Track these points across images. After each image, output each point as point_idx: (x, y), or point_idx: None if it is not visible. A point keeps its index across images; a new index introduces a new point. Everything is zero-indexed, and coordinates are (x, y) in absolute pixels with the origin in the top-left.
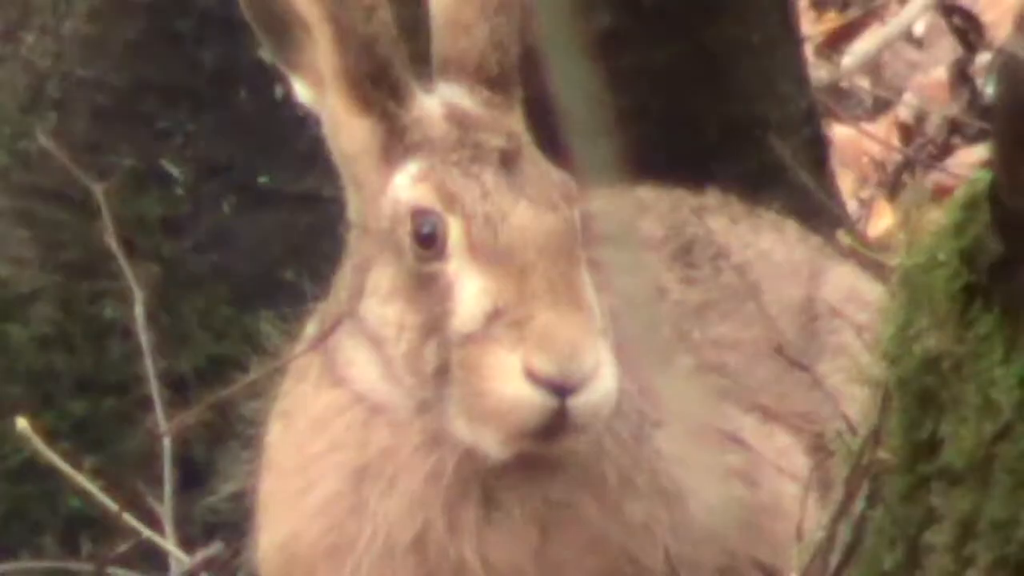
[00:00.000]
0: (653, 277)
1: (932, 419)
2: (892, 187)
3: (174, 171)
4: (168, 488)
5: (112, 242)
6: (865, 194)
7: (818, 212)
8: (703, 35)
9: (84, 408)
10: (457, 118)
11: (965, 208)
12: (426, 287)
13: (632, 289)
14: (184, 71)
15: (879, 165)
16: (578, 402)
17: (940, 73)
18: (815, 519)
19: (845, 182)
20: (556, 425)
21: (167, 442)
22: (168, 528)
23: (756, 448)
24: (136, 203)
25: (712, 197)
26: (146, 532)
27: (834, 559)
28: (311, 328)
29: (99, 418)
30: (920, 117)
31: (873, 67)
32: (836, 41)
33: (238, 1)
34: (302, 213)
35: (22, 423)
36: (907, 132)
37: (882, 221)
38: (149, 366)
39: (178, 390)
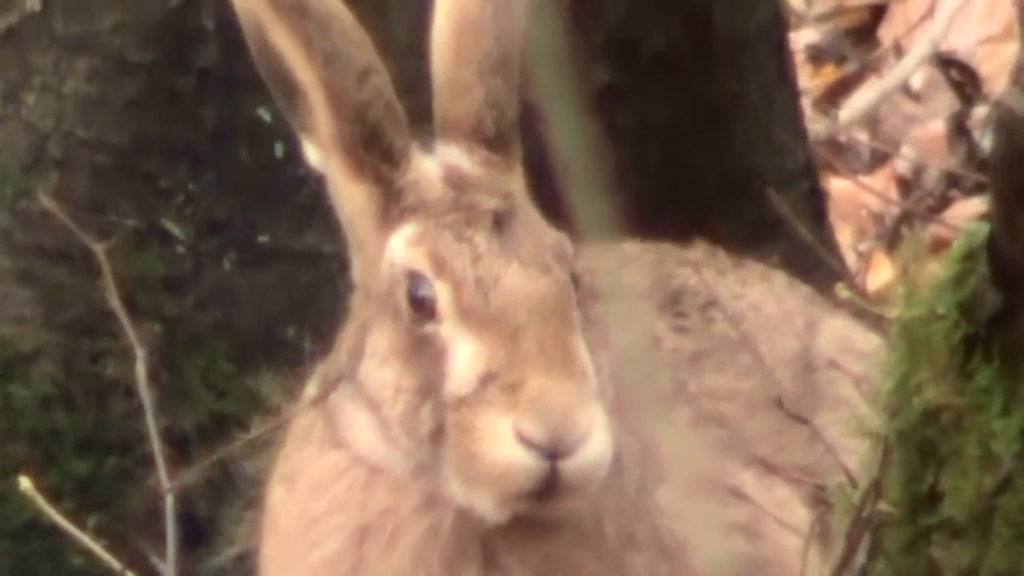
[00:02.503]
0: (648, 329)
1: (932, 471)
2: (890, 240)
3: (175, 229)
4: (171, 546)
5: (114, 301)
6: (863, 247)
7: (817, 265)
8: (701, 89)
9: (87, 467)
10: (454, 179)
11: (963, 260)
12: (421, 350)
13: (629, 342)
14: (184, 129)
15: (877, 218)
16: (570, 465)
17: (938, 126)
18: (817, 572)
19: (843, 235)
20: (549, 488)
21: (170, 500)
22: None
23: (757, 502)
24: (137, 262)
25: (698, 250)
26: None
27: None
28: (312, 388)
29: (102, 477)
30: (918, 170)
31: (871, 120)
32: (833, 95)
33: (237, 59)
34: (302, 270)
35: (25, 482)
36: (905, 185)
37: (881, 274)
38: (151, 424)
39: (180, 448)
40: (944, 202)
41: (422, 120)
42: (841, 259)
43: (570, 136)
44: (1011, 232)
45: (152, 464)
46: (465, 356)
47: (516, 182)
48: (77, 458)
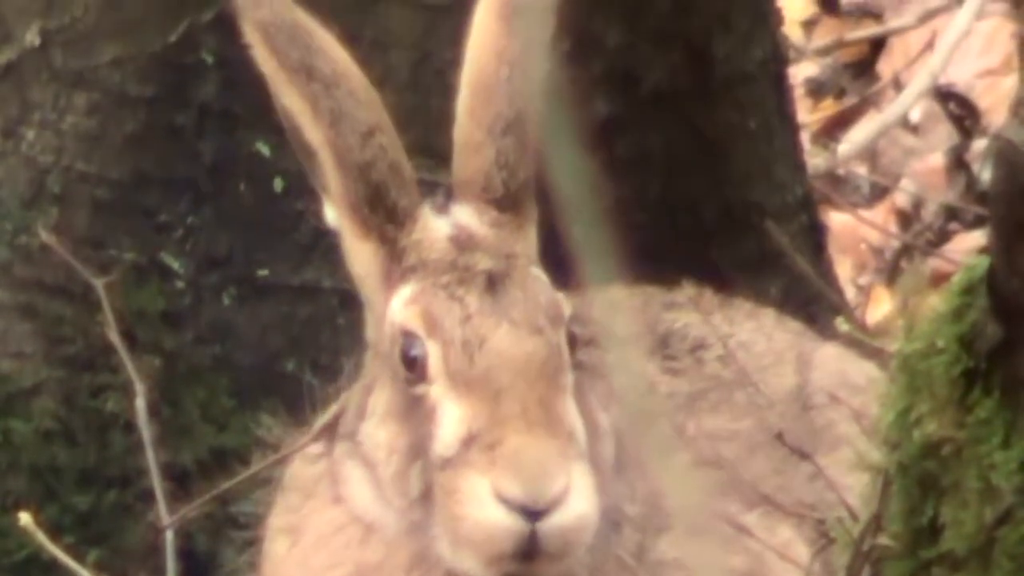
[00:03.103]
0: (644, 373)
1: (933, 504)
2: (890, 273)
3: (174, 264)
4: None
5: (113, 335)
6: (863, 280)
7: (816, 299)
8: (700, 122)
9: (87, 501)
10: (461, 240)
11: (963, 293)
12: (414, 410)
13: (626, 388)
14: (184, 164)
15: (877, 252)
16: (549, 525)
17: (937, 159)
18: None
19: (843, 269)
20: (531, 549)
21: (170, 535)
22: None
23: (759, 546)
24: (137, 297)
25: (683, 292)
26: None
27: None
28: (314, 439)
29: (102, 511)
30: (917, 203)
31: (870, 154)
32: (832, 128)
33: (236, 94)
34: (302, 305)
35: (25, 517)
36: (904, 218)
37: (880, 307)
38: (151, 459)
39: (180, 483)
40: (944, 235)
41: (419, 155)
42: (841, 292)
43: (571, 179)
44: (1011, 266)
45: (152, 498)
46: (451, 417)
47: (524, 242)
48: (77, 493)
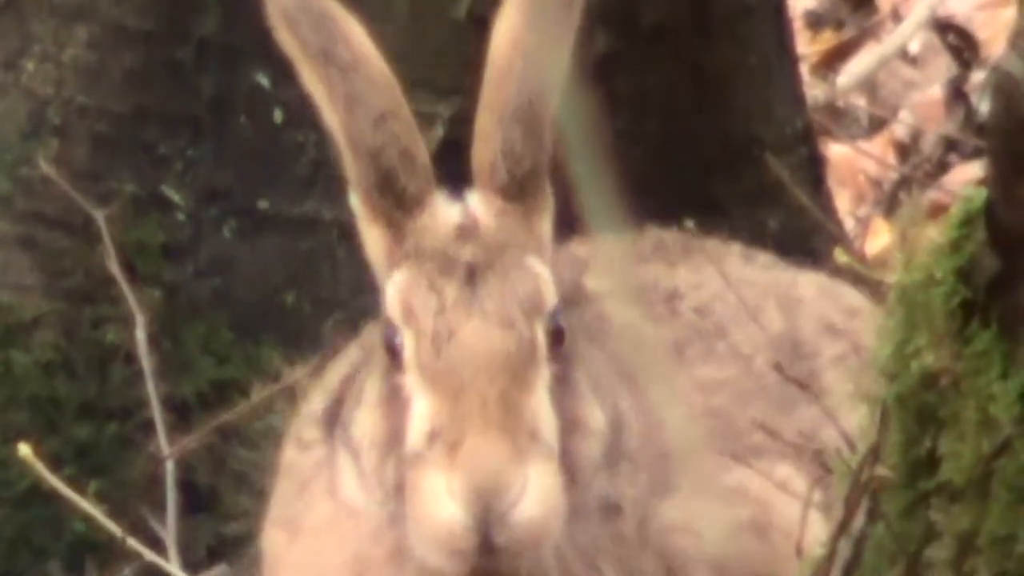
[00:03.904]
0: (635, 323)
1: (931, 436)
2: (888, 205)
3: (175, 197)
4: (171, 512)
5: (114, 267)
6: (862, 212)
7: (815, 230)
8: (700, 57)
9: (87, 433)
10: (464, 228)
11: (961, 225)
12: (394, 401)
13: (624, 350)
14: (184, 98)
15: (875, 183)
16: (502, 526)
17: (935, 91)
18: (818, 536)
19: (841, 200)
20: (488, 548)
21: (170, 466)
22: (172, 552)
23: (763, 494)
24: (137, 229)
25: (647, 241)
26: (150, 556)
27: None
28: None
29: (102, 443)
30: (916, 135)
31: (869, 86)
32: (831, 61)
33: (236, 28)
34: (302, 238)
35: (25, 449)
36: (903, 150)
37: (879, 239)
38: (152, 391)
39: (181, 415)
40: (942, 167)
41: (419, 88)
42: (839, 224)
43: (576, 127)
44: (1009, 197)
45: (152, 430)
46: (419, 411)
47: (528, 232)
48: (78, 424)
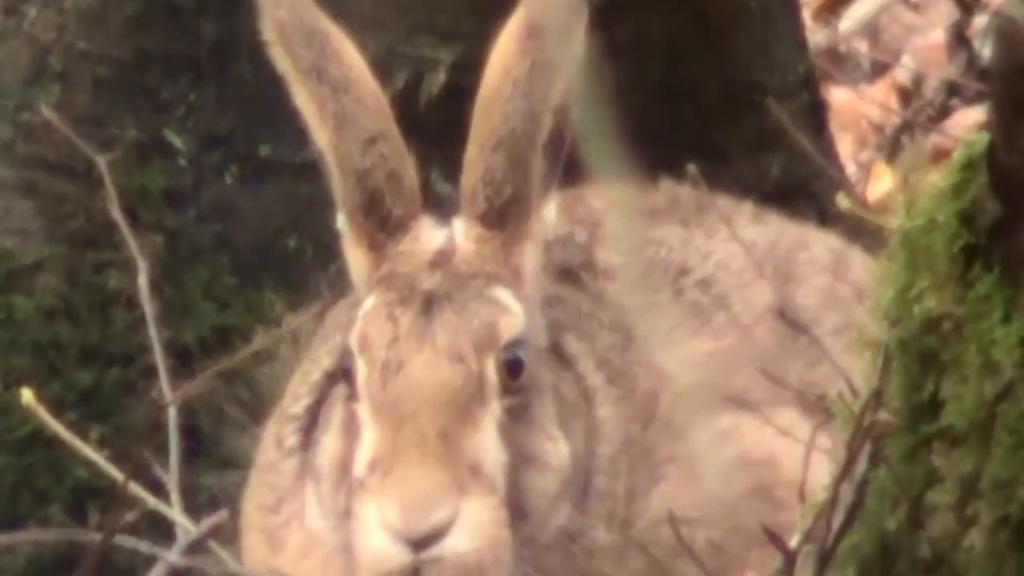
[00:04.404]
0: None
1: (933, 380)
2: (891, 150)
3: (176, 142)
4: (174, 457)
5: (115, 212)
6: (864, 157)
7: (817, 176)
8: (701, 3)
9: (89, 378)
10: (442, 253)
11: (963, 170)
12: (349, 428)
13: (625, 316)
14: (185, 43)
15: (877, 128)
16: (428, 557)
17: (938, 36)
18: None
19: (844, 145)
20: None
21: (172, 412)
22: (174, 497)
23: (772, 458)
24: (139, 175)
25: (662, 196)
26: (152, 501)
27: (837, 520)
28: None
29: (104, 388)
30: (918, 80)
31: (871, 31)
32: (834, 5)
33: None
34: (304, 183)
35: (27, 394)
36: (905, 95)
37: (881, 184)
38: (154, 336)
39: (183, 360)
40: (944, 112)
41: (421, 34)
42: (841, 169)
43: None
44: (1011, 142)
45: (154, 376)
46: (366, 440)
47: (503, 261)
48: (80, 369)
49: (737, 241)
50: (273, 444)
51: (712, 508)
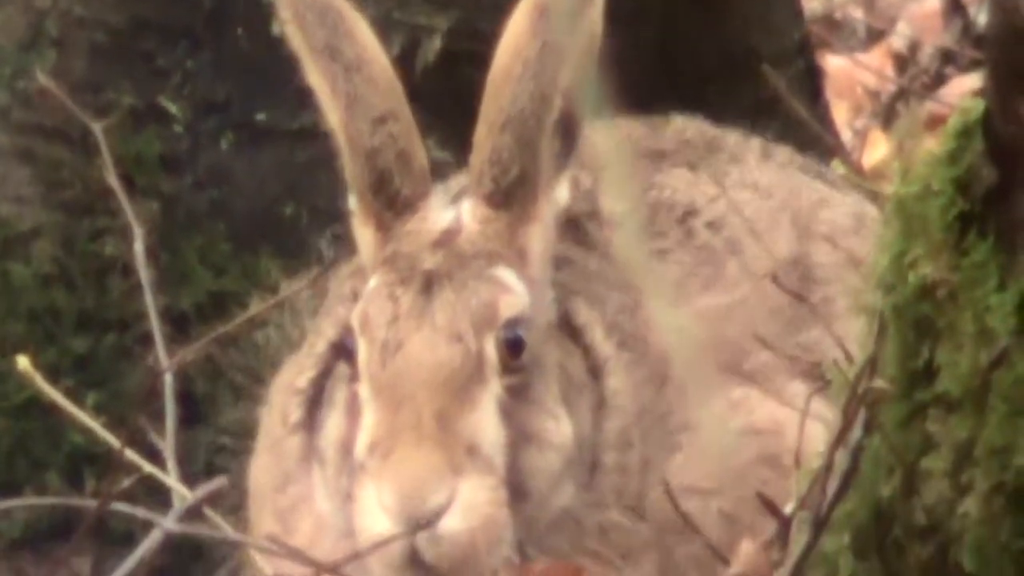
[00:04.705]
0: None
1: (928, 347)
2: (886, 117)
3: (172, 109)
4: (170, 424)
5: (112, 179)
6: (859, 124)
7: (813, 142)
8: None
9: (85, 345)
10: (447, 233)
11: (959, 137)
12: (352, 409)
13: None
14: (182, 10)
15: (873, 95)
16: (427, 538)
17: (933, 3)
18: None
19: (839, 112)
20: (418, 561)
21: (169, 378)
22: (170, 464)
23: (780, 428)
24: (135, 141)
25: (671, 134)
26: (148, 468)
27: (832, 487)
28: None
29: (100, 355)
30: (914, 47)
31: None
32: None
33: None
34: (300, 149)
35: (23, 361)
36: (901, 62)
37: (876, 151)
38: (150, 303)
39: (179, 326)
40: (940, 79)
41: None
42: (837, 136)
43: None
44: (1006, 109)
45: (151, 342)
46: (366, 421)
47: (509, 242)
48: (76, 336)
49: (750, 187)
50: (279, 419)
51: (723, 478)
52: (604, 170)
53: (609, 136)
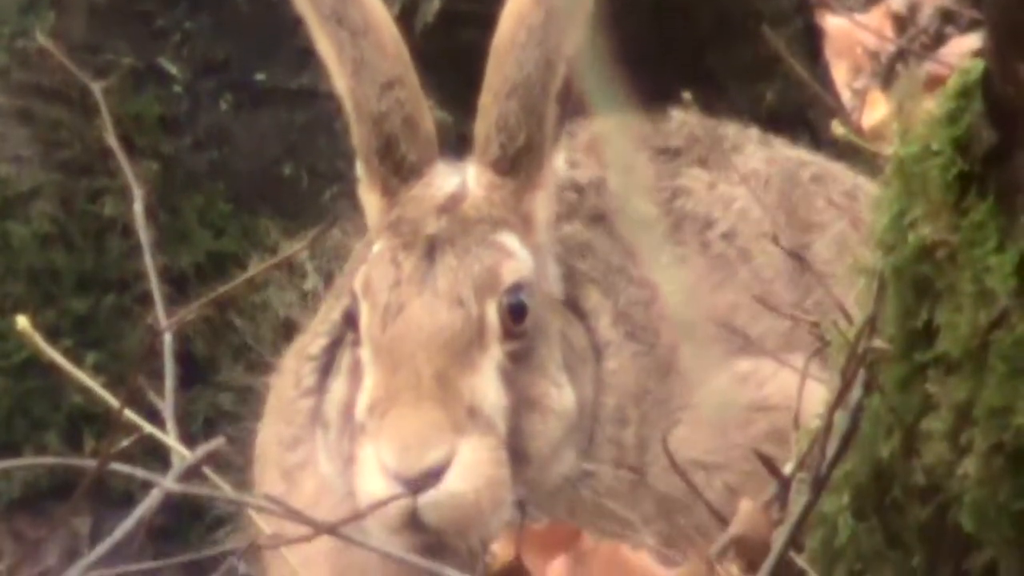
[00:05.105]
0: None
1: (927, 308)
2: (886, 77)
3: (172, 69)
4: (169, 384)
5: (111, 139)
6: (859, 85)
7: (812, 103)
8: None
9: (85, 305)
10: (453, 198)
11: (958, 97)
12: (354, 373)
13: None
14: None
15: (872, 55)
16: (425, 499)
17: None
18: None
19: (838, 73)
20: (417, 522)
21: (168, 338)
22: (170, 424)
23: (789, 400)
24: (134, 102)
25: (676, 130)
26: (148, 428)
27: (831, 447)
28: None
29: (100, 315)
30: (913, 7)
31: None
32: None
33: None
34: (299, 110)
35: (23, 321)
36: (900, 22)
37: (876, 111)
38: (149, 263)
39: (178, 287)
40: (939, 39)
41: None
42: (836, 97)
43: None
44: (1006, 69)
45: (150, 302)
46: (366, 384)
47: (514, 209)
48: (75, 296)
49: (750, 189)
50: (292, 382)
51: (729, 452)
52: (626, 171)
53: (624, 137)
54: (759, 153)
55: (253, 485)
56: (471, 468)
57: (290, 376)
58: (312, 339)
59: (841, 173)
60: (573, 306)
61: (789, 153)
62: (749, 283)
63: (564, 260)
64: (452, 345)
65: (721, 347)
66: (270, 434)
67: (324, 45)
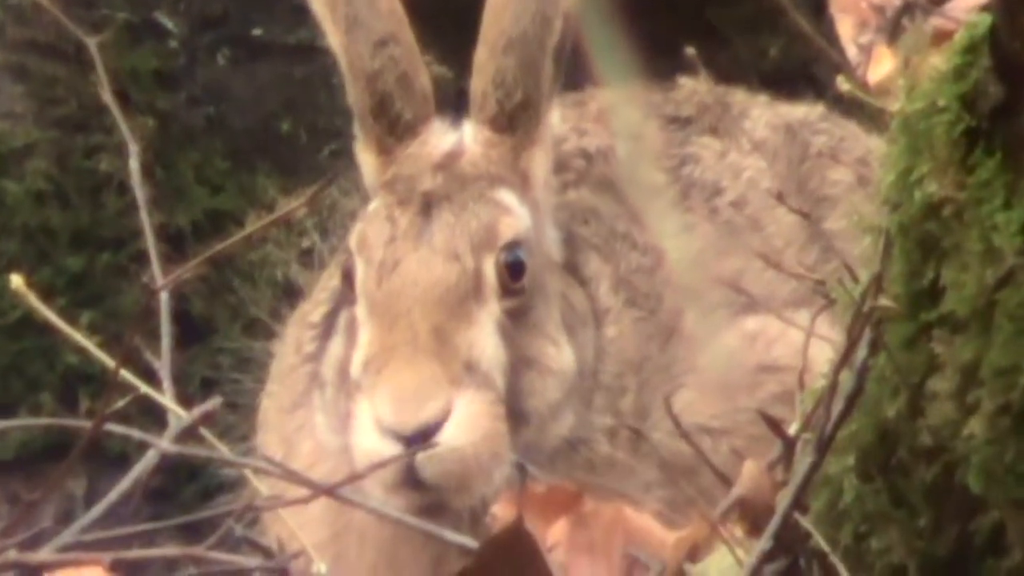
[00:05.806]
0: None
1: (934, 266)
2: (892, 32)
3: (168, 24)
4: (166, 344)
5: (107, 95)
6: (864, 39)
7: (817, 58)
8: None
9: (80, 263)
10: (446, 157)
11: (965, 53)
12: (350, 331)
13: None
14: None
15: (878, 10)
16: (423, 455)
17: None
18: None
19: (844, 27)
20: (415, 479)
21: (164, 297)
22: (166, 384)
23: (794, 362)
24: (130, 57)
25: (686, 98)
26: (144, 388)
27: (837, 407)
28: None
29: (95, 273)
30: None
31: None
32: None
33: None
34: (297, 65)
35: (17, 280)
36: None
37: (881, 67)
38: (145, 220)
39: (175, 245)
40: None
41: None
42: (841, 52)
43: None
44: (1013, 25)
45: (146, 260)
46: (361, 340)
47: (512, 166)
48: (70, 254)
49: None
50: (293, 348)
51: (736, 416)
52: (634, 139)
53: (633, 106)
54: (767, 117)
55: (255, 450)
56: (468, 422)
57: (292, 343)
58: (313, 307)
59: (853, 137)
60: (573, 271)
61: (800, 116)
62: (758, 250)
63: (566, 225)
64: (448, 300)
65: (727, 309)
66: (271, 402)
67: (317, 2)
